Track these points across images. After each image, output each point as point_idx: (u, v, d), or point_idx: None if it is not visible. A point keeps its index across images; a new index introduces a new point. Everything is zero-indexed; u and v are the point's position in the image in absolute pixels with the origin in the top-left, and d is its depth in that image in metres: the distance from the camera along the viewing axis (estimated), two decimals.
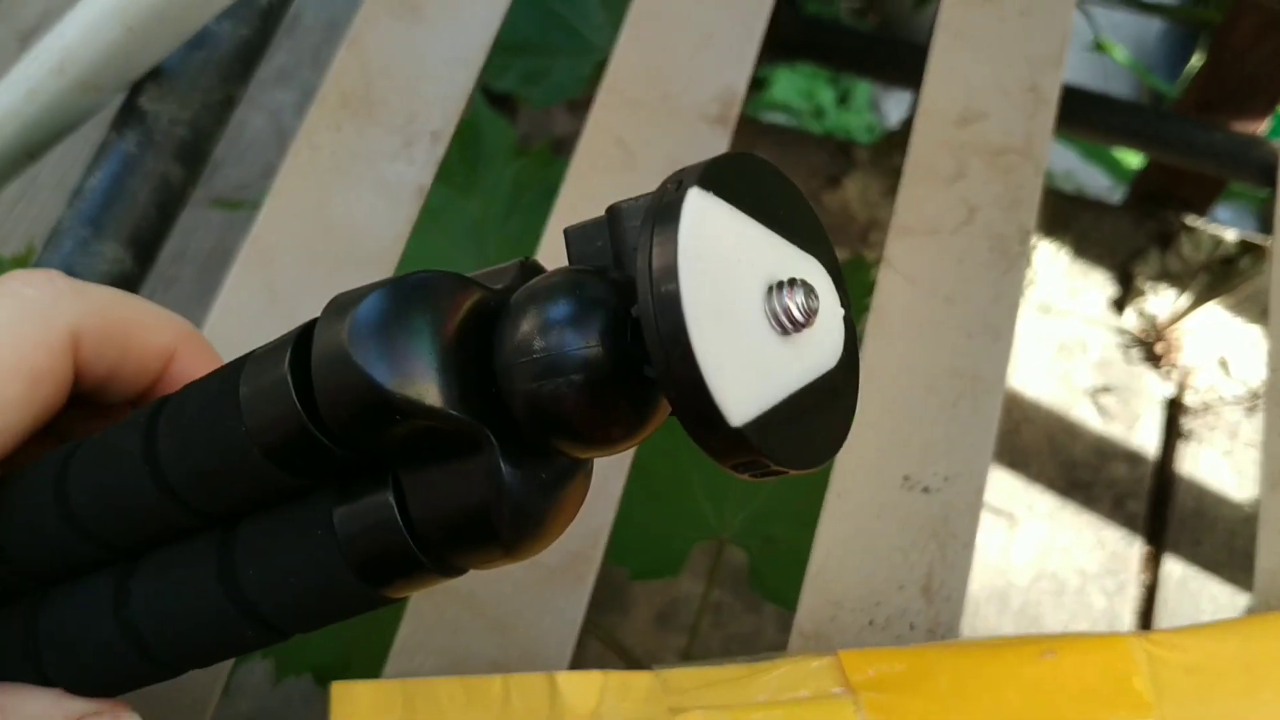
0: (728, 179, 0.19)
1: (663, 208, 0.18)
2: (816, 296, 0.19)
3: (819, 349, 0.20)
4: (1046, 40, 0.44)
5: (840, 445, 0.21)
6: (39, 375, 0.25)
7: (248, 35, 0.43)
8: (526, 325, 0.20)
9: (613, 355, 0.20)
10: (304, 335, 0.22)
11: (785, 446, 0.19)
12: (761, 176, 0.20)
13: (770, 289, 0.19)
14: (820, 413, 0.20)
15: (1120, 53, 1.04)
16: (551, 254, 0.39)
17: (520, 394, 0.20)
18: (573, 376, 0.19)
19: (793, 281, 0.19)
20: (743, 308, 0.19)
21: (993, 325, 0.39)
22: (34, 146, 0.41)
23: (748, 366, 0.18)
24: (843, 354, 0.21)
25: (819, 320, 0.19)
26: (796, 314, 0.19)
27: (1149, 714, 0.31)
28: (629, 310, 0.20)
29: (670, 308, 0.18)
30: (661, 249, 0.18)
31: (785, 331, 0.19)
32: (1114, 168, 1.02)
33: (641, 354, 0.19)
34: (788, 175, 0.21)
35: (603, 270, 0.21)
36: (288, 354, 0.22)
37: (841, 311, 0.21)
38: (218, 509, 0.24)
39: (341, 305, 0.21)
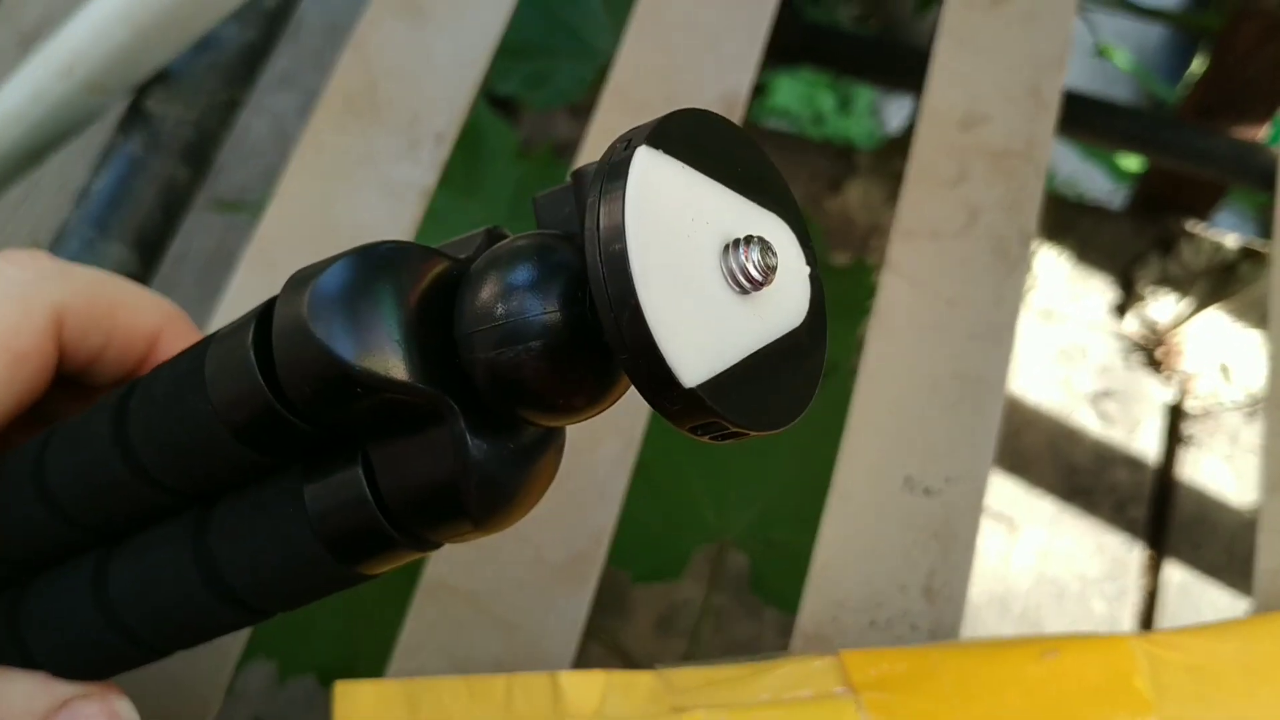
0: (681, 137, 0.19)
1: (611, 167, 0.18)
2: (774, 254, 0.19)
3: (781, 308, 0.20)
4: (1048, 44, 0.44)
5: (806, 406, 0.20)
6: (22, 355, 0.25)
7: (253, 38, 0.43)
8: (485, 292, 0.20)
9: (573, 320, 0.19)
10: (267, 311, 0.22)
11: (744, 407, 0.18)
12: (719, 134, 0.20)
13: (726, 247, 0.19)
14: (783, 373, 0.20)
15: (1122, 58, 1.04)
16: None
17: (481, 362, 0.20)
18: (531, 343, 0.19)
19: (749, 239, 0.19)
20: (697, 267, 0.18)
21: (994, 327, 0.39)
22: (40, 148, 0.42)
23: (702, 326, 0.18)
24: (808, 313, 0.20)
25: (779, 278, 0.19)
26: (753, 272, 0.18)
27: (1150, 714, 0.31)
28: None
29: (618, 268, 0.17)
30: (608, 208, 0.17)
31: (743, 290, 0.19)
32: (1114, 168, 1.02)
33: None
34: (747, 133, 0.21)
35: (567, 236, 0.21)
36: (250, 330, 0.21)
37: (807, 269, 0.21)
38: (190, 488, 0.24)
39: (301, 278, 0.20)
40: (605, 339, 0.18)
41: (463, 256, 0.22)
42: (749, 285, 0.19)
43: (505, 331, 0.19)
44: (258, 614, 0.24)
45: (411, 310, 0.20)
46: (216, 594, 0.23)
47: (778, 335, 0.20)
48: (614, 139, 0.19)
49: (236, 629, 0.25)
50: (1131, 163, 1.02)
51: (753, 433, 0.19)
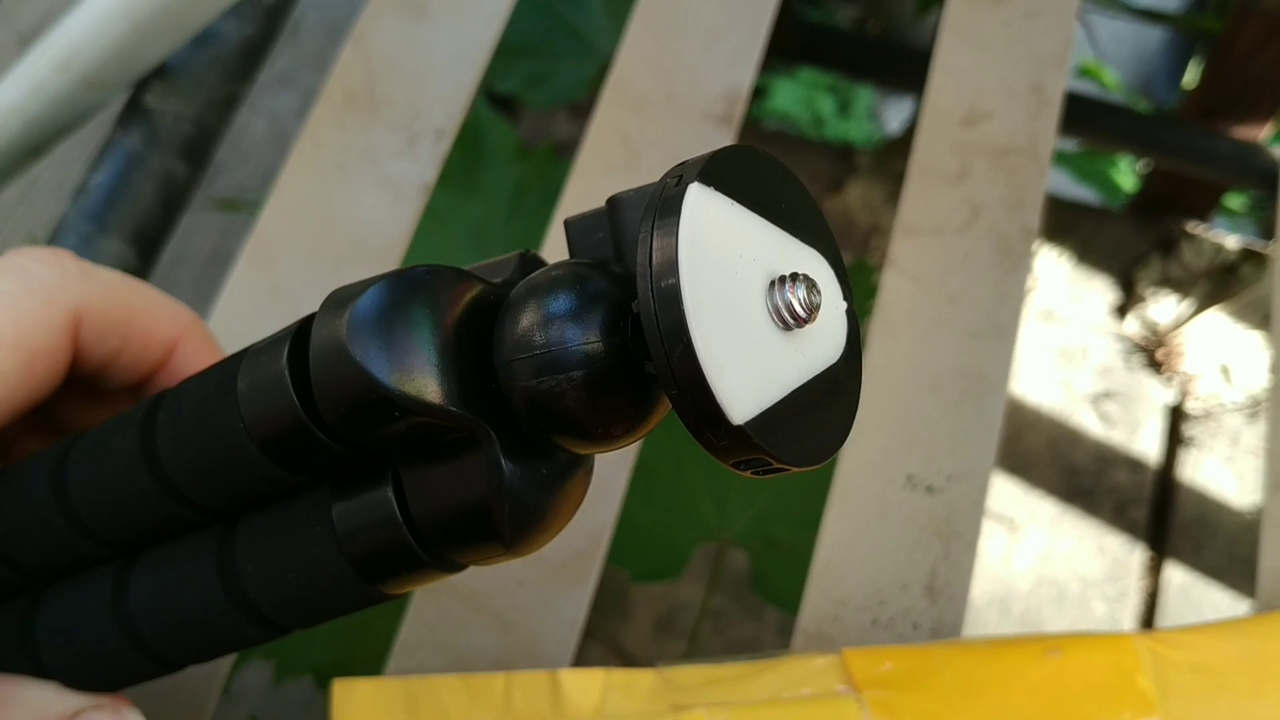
0: (729, 173, 0.19)
1: (664, 202, 0.18)
2: (819, 291, 0.19)
3: (821, 344, 0.20)
4: (1051, 41, 0.44)
5: (843, 441, 0.20)
6: (36, 352, 0.25)
7: (252, 33, 0.43)
8: (526, 320, 0.20)
9: (613, 350, 0.19)
10: (303, 329, 0.22)
11: (788, 443, 0.19)
12: (763, 169, 0.20)
13: (772, 284, 0.19)
14: (822, 408, 0.20)
15: (1109, 76, 1.04)
16: (554, 257, 0.39)
17: (520, 390, 0.20)
18: (573, 373, 0.19)
19: (795, 276, 0.19)
20: (744, 303, 0.18)
21: (996, 325, 0.39)
22: (38, 143, 0.41)
23: (749, 363, 0.18)
24: (845, 348, 0.21)
25: (821, 315, 0.19)
26: (799, 309, 0.19)
27: (1153, 712, 0.31)
28: (630, 304, 0.20)
29: (671, 304, 0.17)
30: (662, 244, 0.17)
31: (787, 327, 0.19)
32: (1109, 189, 1.02)
33: (642, 349, 0.19)
34: (792, 170, 0.21)
35: (603, 263, 0.21)
36: (286, 348, 0.21)
37: (844, 305, 0.21)
38: (216, 504, 0.24)
39: (340, 299, 0.20)
40: (651, 371, 0.19)
41: (497, 280, 0.22)
42: (794, 322, 0.19)
43: (546, 360, 0.19)
44: (278, 630, 0.24)
45: (448, 334, 0.20)
46: (239, 609, 0.23)
47: (818, 371, 0.20)
48: (664, 172, 0.19)
49: (255, 645, 0.25)
50: (1126, 180, 1.02)
51: (794, 469, 0.19)
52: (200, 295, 0.40)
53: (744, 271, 0.18)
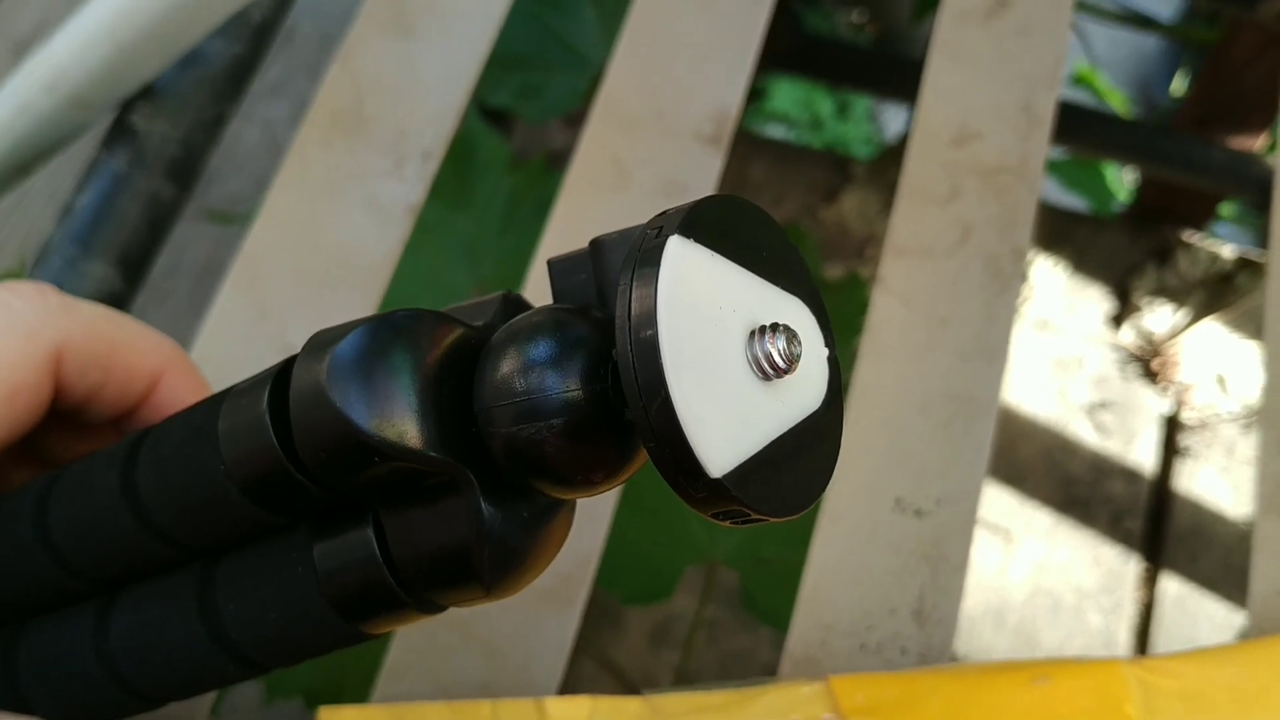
0: (710, 223, 0.19)
1: (643, 253, 0.18)
2: (799, 341, 0.19)
3: (802, 392, 0.20)
4: (1042, 60, 0.43)
5: (824, 488, 0.20)
6: (17, 387, 0.25)
7: (239, 52, 0.43)
8: (506, 367, 0.20)
9: (593, 398, 0.19)
10: (284, 372, 0.22)
11: (766, 494, 0.18)
12: (744, 218, 0.20)
13: (752, 334, 0.19)
14: (803, 457, 0.20)
15: (1103, 82, 1.03)
16: (543, 274, 0.39)
17: (500, 436, 0.20)
18: (552, 420, 0.19)
19: (775, 327, 0.19)
20: (723, 355, 0.18)
21: (987, 347, 0.39)
22: (25, 163, 0.41)
23: (728, 415, 0.18)
24: (826, 395, 0.20)
25: (802, 363, 0.19)
26: (779, 360, 0.18)
27: None
28: (610, 351, 0.20)
29: (649, 357, 0.17)
30: (640, 295, 0.17)
31: (767, 377, 0.19)
32: (1099, 199, 1.01)
33: (622, 397, 0.19)
34: (770, 215, 0.21)
35: (585, 308, 0.21)
36: (267, 390, 0.21)
37: (826, 352, 0.21)
38: (198, 543, 0.24)
39: (321, 343, 0.20)
40: (629, 421, 0.19)
41: (479, 323, 0.22)
42: (773, 373, 0.19)
43: (525, 408, 0.19)
44: (258, 668, 0.24)
45: (428, 379, 0.20)
46: (220, 648, 0.23)
47: (798, 420, 0.20)
48: (650, 218, 0.19)
49: (235, 682, 0.25)
50: (1116, 187, 1.01)
51: (772, 519, 0.19)
52: (195, 306, 0.40)
53: (724, 322, 0.18)
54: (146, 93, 0.42)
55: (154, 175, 0.40)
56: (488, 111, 0.80)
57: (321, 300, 0.39)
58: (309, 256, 0.40)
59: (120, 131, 0.41)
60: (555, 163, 0.71)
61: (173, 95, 0.41)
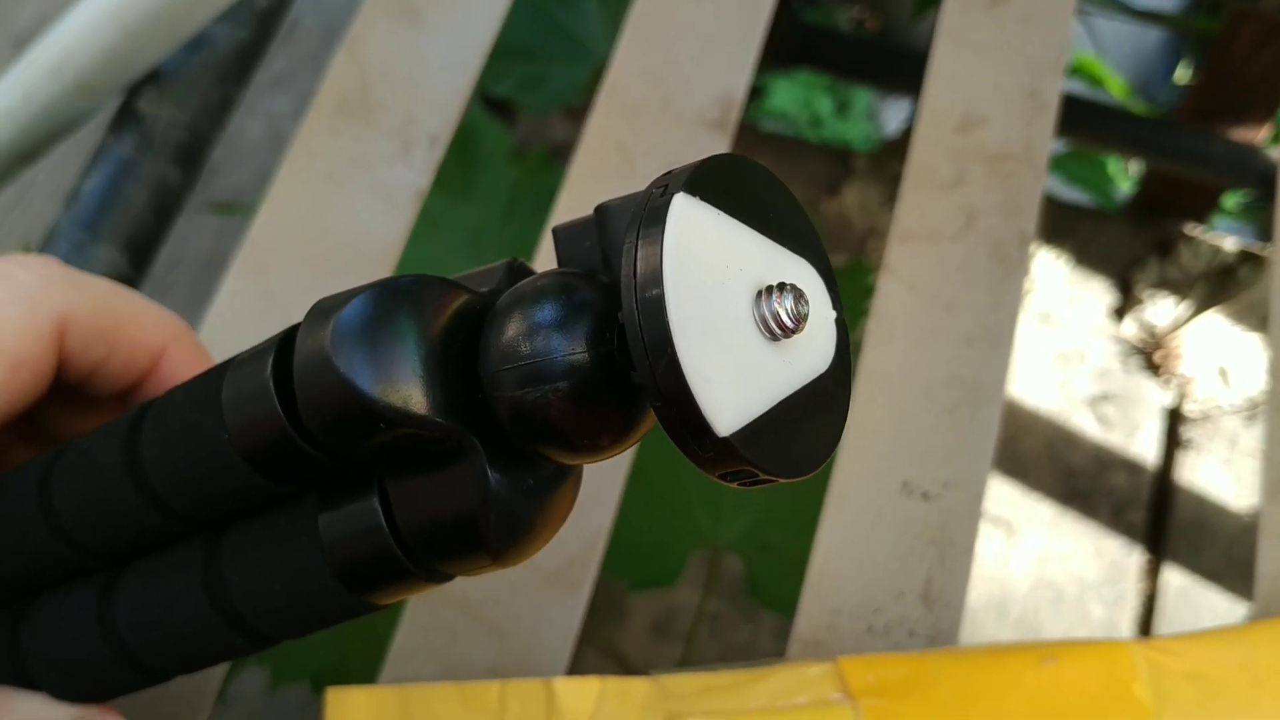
0: (716, 182, 0.19)
1: (648, 212, 0.18)
2: (806, 301, 0.19)
3: (809, 354, 0.20)
4: (1047, 46, 0.43)
5: (832, 450, 0.20)
6: (20, 359, 0.25)
7: (245, 37, 0.43)
8: (511, 330, 0.20)
9: (599, 361, 0.19)
10: (287, 340, 0.21)
11: (774, 454, 0.18)
12: (751, 179, 0.20)
13: (759, 294, 0.19)
14: (811, 418, 0.20)
15: (1108, 73, 1.03)
16: (548, 261, 0.39)
17: (505, 401, 0.19)
18: (558, 384, 0.19)
19: (781, 286, 0.18)
20: (730, 314, 0.18)
21: (992, 332, 0.39)
22: (30, 149, 0.41)
23: (735, 374, 0.18)
24: (834, 358, 0.20)
25: (809, 325, 0.19)
26: (785, 319, 0.18)
27: None
28: (616, 314, 0.19)
29: (655, 315, 0.17)
30: (646, 255, 0.17)
31: (774, 337, 0.19)
32: (1102, 193, 1.01)
33: (628, 359, 0.19)
34: (781, 179, 0.21)
35: (590, 273, 0.20)
36: (270, 359, 0.21)
37: (834, 314, 0.21)
38: (202, 515, 0.24)
39: (324, 310, 0.20)
40: (636, 382, 0.18)
41: (484, 290, 0.21)
42: (781, 333, 0.18)
43: (531, 371, 0.19)
44: (265, 641, 0.24)
45: (434, 344, 0.20)
46: (226, 621, 0.23)
47: (806, 381, 0.19)
48: (649, 183, 0.19)
49: (242, 655, 0.25)
50: (1119, 179, 1.01)
51: (781, 479, 0.19)
52: (196, 300, 0.40)
53: (730, 281, 0.18)
54: (152, 78, 0.41)
55: (160, 160, 0.40)
56: (490, 102, 0.80)
57: (327, 286, 0.39)
58: (315, 243, 0.40)
59: (126, 116, 0.41)
60: (557, 155, 0.71)
61: (179, 80, 0.41)
